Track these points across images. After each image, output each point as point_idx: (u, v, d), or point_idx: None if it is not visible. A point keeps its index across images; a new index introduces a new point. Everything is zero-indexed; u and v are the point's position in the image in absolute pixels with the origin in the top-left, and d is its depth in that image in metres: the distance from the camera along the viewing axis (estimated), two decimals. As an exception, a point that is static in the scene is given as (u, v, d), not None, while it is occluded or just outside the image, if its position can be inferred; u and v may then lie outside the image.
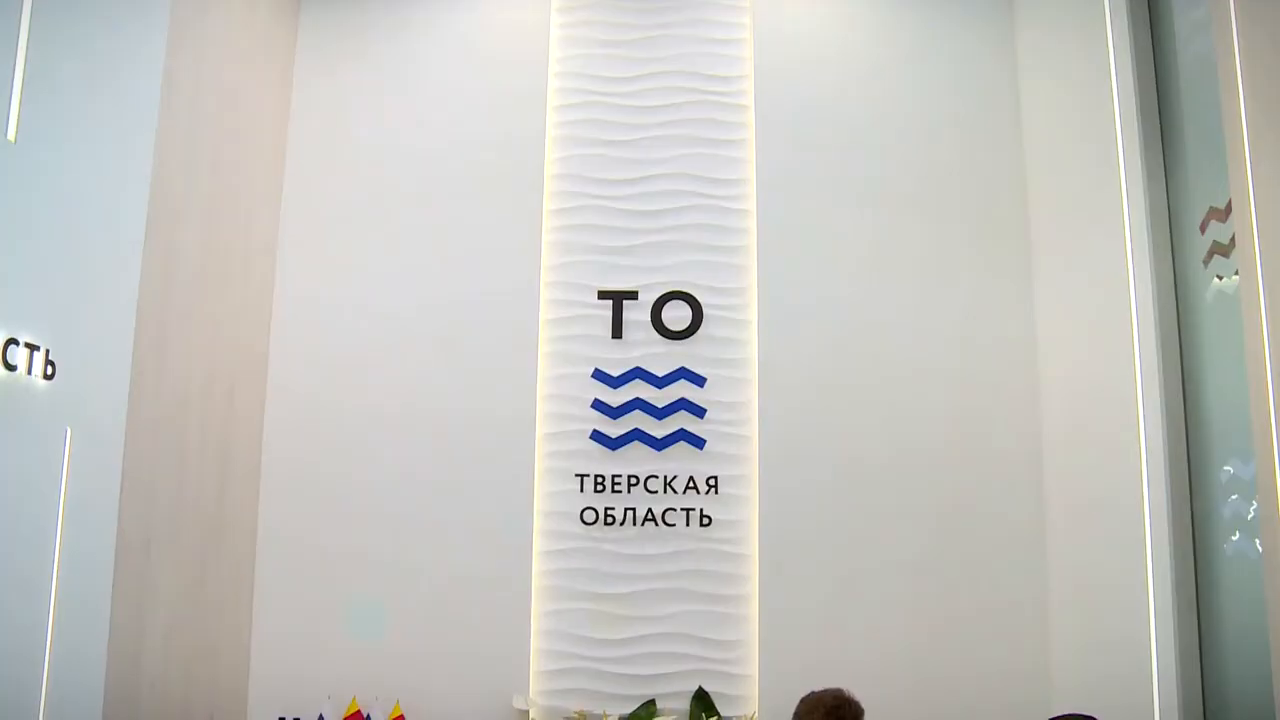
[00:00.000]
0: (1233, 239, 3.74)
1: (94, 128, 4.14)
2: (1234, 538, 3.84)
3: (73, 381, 3.93)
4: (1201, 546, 4.06)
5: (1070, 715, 2.68)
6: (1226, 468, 3.89)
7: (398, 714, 5.21)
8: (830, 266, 5.72)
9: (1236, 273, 3.71)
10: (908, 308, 5.65)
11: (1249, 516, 3.71)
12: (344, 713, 5.23)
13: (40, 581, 3.77)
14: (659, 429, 5.63)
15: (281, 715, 5.27)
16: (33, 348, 3.75)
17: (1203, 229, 4.06)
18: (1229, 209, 3.73)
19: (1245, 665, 3.74)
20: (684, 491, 5.57)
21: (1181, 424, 4.20)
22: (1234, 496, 3.84)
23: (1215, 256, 3.98)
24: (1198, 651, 4.02)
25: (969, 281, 5.66)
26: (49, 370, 3.82)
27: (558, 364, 5.72)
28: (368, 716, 5.22)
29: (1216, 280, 3.99)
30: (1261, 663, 3.36)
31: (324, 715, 5.10)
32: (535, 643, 5.46)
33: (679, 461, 5.60)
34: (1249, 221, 3.40)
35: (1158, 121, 4.47)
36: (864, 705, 3.54)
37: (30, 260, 3.80)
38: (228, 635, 5.23)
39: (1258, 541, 3.62)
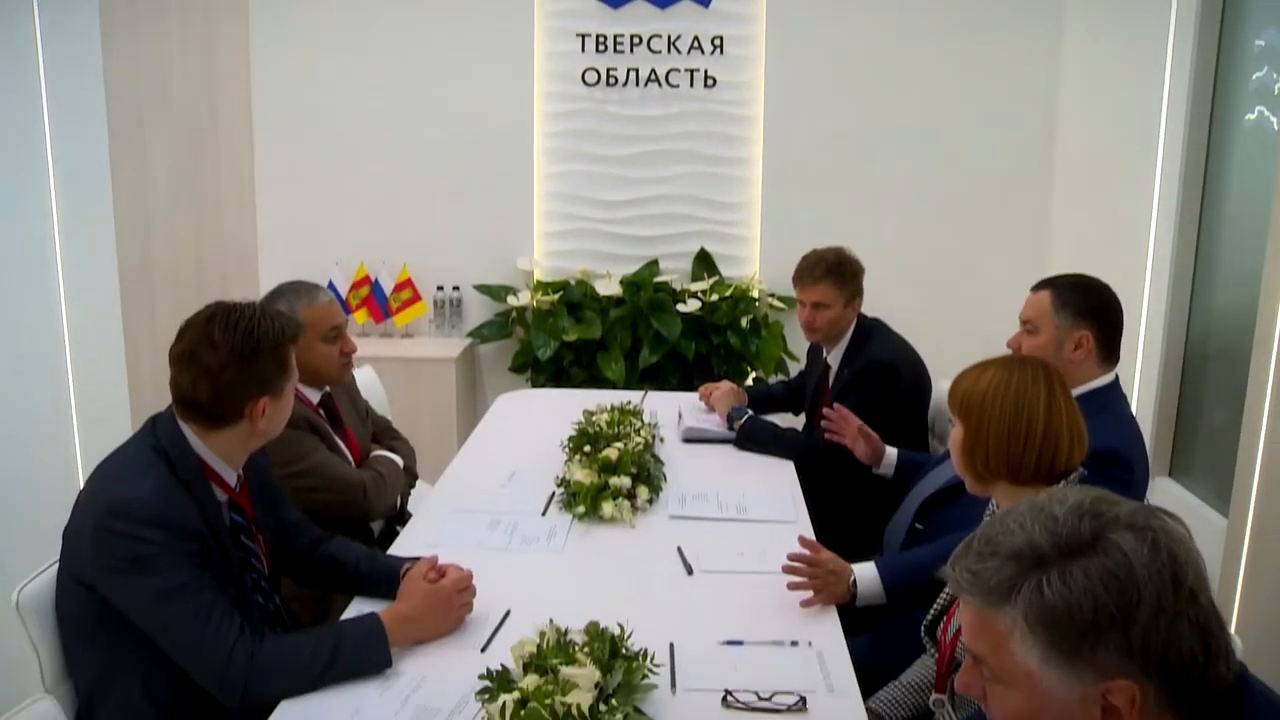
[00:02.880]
0: None
1: None
2: (1250, 116, 3.73)
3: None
4: (1219, 119, 3.96)
5: (1069, 275, 2.71)
6: (1259, 41, 3.70)
7: (405, 278, 5.36)
8: None
9: None
10: None
11: (1276, 91, 3.58)
12: (352, 278, 5.38)
13: (37, 183, 3.71)
14: (663, -15, 5.32)
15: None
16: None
17: None
18: None
19: (1243, 241, 3.78)
20: (688, 51, 5.35)
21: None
22: (1263, 70, 3.68)
23: None
24: (1197, 222, 4.04)
25: None
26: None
27: (555, -84, 5.29)
28: (375, 280, 5.37)
29: None
30: (1259, 240, 3.38)
31: (333, 281, 5.23)
32: (538, 205, 5.50)
33: (683, 20, 5.33)
34: None
35: None
36: (864, 264, 3.63)
37: None
38: (232, 220, 5.24)
39: (1275, 118, 3.53)
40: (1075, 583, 1.08)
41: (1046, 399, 1.98)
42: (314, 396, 2.90)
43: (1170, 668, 1.07)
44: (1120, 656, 1.07)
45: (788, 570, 2.31)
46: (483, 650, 2.08)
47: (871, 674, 2.20)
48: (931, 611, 2.04)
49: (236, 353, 2.00)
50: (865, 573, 2.36)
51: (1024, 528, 1.14)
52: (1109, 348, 2.59)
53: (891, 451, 3.19)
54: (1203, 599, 1.09)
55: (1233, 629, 2.62)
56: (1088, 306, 2.59)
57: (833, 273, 3.54)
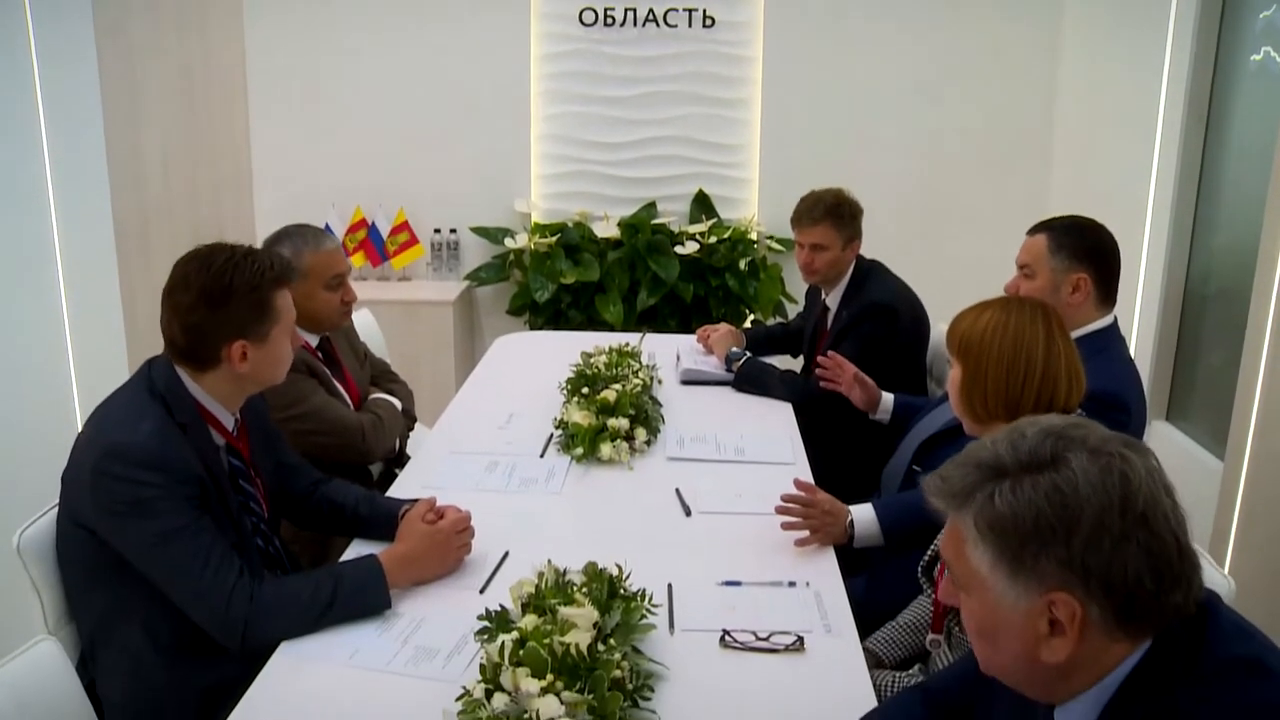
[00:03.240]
0: None
1: None
2: (1256, 57, 3.68)
3: None
4: (1225, 58, 3.90)
5: (1065, 217, 2.69)
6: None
7: (402, 220, 5.32)
8: None
9: None
10: None
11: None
12: (349, 221, 5.34)
13: (28, 127, 3.65)
14: (661, -80, 5.22)
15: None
16: None
17: None
18: None
19: (1245, 183, 3.75)
20: (687, -10, 5.29)
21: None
22: (1271, 9, 3.62)
23: None
24: (1199, 164, 4.01)
25: None
26: None
27: None
28: (372, 223, 5.34)
29: None
30: (1261, 182, 3.36)
31: (329, 224, 5.17)
32: (535, 147, 5.45)
33: (682, -42, 5.26)
34: None
35: None
36: (863, 206, 3.61)
37: None
38: (227, 162, 5.18)
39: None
40: (1023, 494, 1.13)
41: (1045, 339, 1.98)
42: (312, 340, 2.89)
43: (1113, 587, 1.10)
44: (1061, 568, 1.11)
45: (781, 511, 2.31)
46: (481, 591, 2.09)
47: (869, 614, 2.21)
48: (928, 552, 2.05)
49: (205, 293, 1.98)
50: (863, 514, 2.37)
51: (995, 444, 1.19)
52: (1107, 290, 2.57)
53: (888, 397, 3.18)
54: (1157, 526, 1.11)
55: (1226, 570, 2.64)
56: (1084, 248, 2.56)
57: (831, 214, 3.51)
